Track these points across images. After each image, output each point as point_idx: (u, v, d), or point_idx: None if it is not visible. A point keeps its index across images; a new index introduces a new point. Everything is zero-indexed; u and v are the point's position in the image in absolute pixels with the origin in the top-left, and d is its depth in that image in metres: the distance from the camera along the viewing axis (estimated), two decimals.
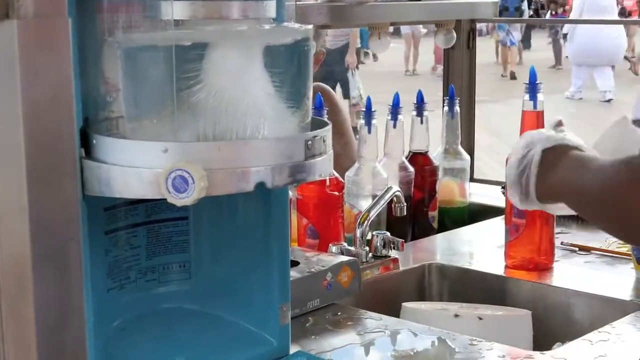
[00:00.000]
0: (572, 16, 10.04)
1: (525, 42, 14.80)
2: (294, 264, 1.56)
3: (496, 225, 2.12)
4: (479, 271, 1.91)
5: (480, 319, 1.65)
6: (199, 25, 1.08)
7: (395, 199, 1.93)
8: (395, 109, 2.09)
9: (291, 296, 1.33)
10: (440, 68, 8.01)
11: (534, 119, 1.94)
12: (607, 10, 9.69)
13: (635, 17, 12.19)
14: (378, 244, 1.89)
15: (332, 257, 1.64)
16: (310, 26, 1.14)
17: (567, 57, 11.67)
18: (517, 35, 13.39)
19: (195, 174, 1.01)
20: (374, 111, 2.03)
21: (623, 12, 12.66)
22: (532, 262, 1.90)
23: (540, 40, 15.39)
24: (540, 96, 1.93)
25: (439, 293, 1.94)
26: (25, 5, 0.84)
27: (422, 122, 2.16)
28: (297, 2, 1.36)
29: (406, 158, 2.16)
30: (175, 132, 1.06)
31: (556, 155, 1.27)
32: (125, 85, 1.09)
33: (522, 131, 1.98)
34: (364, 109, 2.06)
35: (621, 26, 9.98)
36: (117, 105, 1.13)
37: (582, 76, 10.44)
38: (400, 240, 1.89)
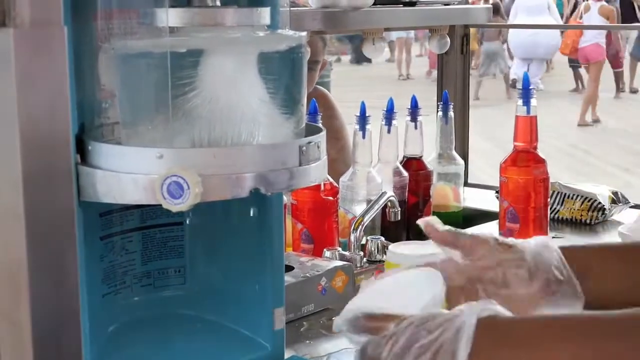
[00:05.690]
0: (510, 18, 10.30)
1: None
2: (289, 268, 1.56)
3: (490, 230, 2.12)
4: None
5: None
6: (193, 32, 1.09)
7: (389, 203, 1.94)
8: (389, 114, 2.10)
9: (286, 301, 1.34)
10: (434, 73, 8.01)
11: (527, 124, 1.95)
12: (537, 10, 9.83)
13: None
14: (372, 249, 1.90)
15: (327, 262, 1.65)
16: (304, 33, 1.14)
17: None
18: None
19: (190, 179, 1.02)
20: (369, 116, 2.04)
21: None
22: None
23: None
24: (533, 101, 1.94)
25: None
26: (21, 13, 0.84)
27: (416, 127, 2.17)
28: (292, 9, 1.37)
29: (400, 163, 2.16)
30: (171, 138, 1.07)
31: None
32: (121, 91, 1.10)
33: (516, 136, 1.99)
34: None
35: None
36: (112, 111, 1.14)
37: (521, 68, 10.66)
38: None
